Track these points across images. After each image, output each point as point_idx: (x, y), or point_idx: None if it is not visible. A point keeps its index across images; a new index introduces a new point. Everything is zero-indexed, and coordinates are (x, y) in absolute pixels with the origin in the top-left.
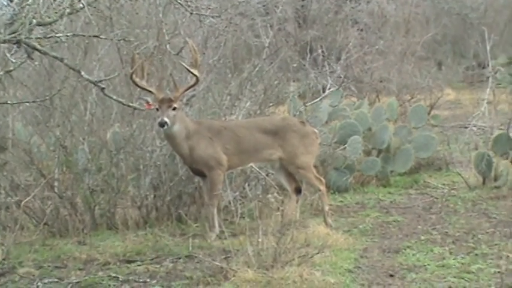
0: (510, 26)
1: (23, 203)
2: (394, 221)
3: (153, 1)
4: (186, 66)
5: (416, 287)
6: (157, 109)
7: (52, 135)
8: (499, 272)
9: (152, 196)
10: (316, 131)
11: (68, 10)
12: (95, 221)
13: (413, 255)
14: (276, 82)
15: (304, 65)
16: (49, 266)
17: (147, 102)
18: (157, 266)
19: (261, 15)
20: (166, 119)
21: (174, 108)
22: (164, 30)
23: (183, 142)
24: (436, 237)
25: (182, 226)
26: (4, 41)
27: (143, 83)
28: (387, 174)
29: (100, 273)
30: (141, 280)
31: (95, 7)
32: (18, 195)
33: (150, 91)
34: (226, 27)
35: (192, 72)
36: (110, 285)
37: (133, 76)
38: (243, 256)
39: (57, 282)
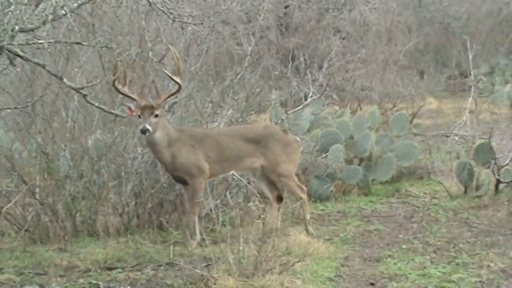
0: (492, 36)
1: (4, 209)
2: (375, 229)
3: (135, 8)
4: (168, 73)
5: None
6: (139, 116)
7: (34, 141)
8: (480, 282)
9: (133, 203)
10: (298, 139)
11: (50, 17)
12: (76, 227)
13: (394, 264)
14: (258, 90)
15: (286, 73)
16: (30, 273)
17: (129, 109)
18: (138, 273)
19: (243, 23)
20: (148, 126)
21: (156, 116)
22: (146, 38)
23: (164, 149)
24: (417, 246)
25: (163, 233)
26: None
27: (125, 90)
28: (369, 182)
29: (81, 280)
30: (122, 287)
31: (77, 14)
32: None
33: (132, 98)
34: (208, 34)
35: (174, 80)
36: None
37: (116, 83)
38: (224, 264)
39: None
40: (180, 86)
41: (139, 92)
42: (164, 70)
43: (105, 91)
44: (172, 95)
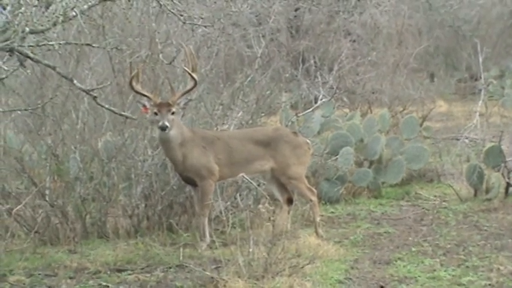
0: (502, 39)
1: (14, 211)
2: (385, 232)
3: (145, 10)
4: (186, 69)
5: None
6: (155, 113)
7: (44, 143)
8: (489, 285)
9: (143, 205)
10: (308, 141)
11: (61, 18)
12: (86, 229)
13: (404, 266)
14: (268, 92)
15: (297, 76)
16: (40, 274)
17: (144, 106)
18: (148, 275)
19: (254, 25)
20: (167, 123)
21: (173, 113)
22: (156, 40)
23: (177, 147)
24: (427, 249)
25: (173, 235)
26: None
27: (139, 87)
28: (379, 185)
29: (90, 282)
30: None
31: (87, 15)
32: (10, 203)
33: (147, 96)
34: (218, 36)
35: (191, 75)
36: None
37: (133, 82)
38: (233, 266)
39: None
40: (196, 82)
41: (152, 91)
42: (184, 67)
43: (115, 93)
44: (187, 92)
